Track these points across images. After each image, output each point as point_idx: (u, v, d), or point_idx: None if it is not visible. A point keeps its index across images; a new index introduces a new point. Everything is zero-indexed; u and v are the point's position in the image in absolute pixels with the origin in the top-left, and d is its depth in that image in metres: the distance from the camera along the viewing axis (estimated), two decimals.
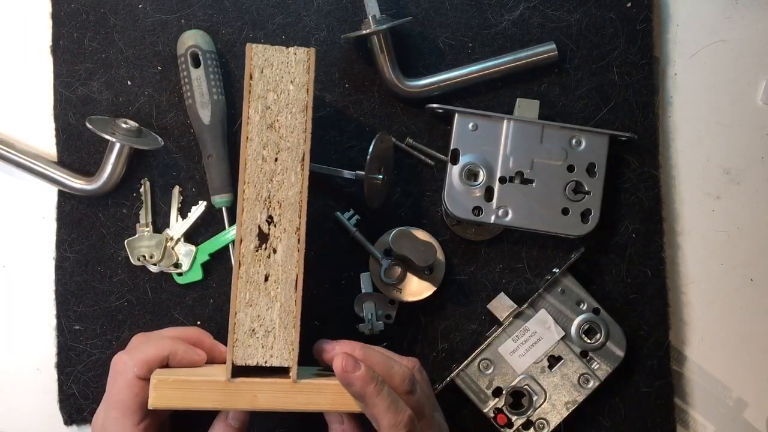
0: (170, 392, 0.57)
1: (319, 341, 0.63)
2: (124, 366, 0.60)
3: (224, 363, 0.65)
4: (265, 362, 0.58)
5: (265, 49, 0.59)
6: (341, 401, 0.59)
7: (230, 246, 0.74)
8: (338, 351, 0.59)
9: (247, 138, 0.59)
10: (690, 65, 0.80)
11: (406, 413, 0.58)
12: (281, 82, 0.60)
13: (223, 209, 0.73)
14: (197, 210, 0.74)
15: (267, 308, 0.58)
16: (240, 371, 0.58)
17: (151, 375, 0.59)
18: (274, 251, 0.59)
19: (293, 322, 0.59)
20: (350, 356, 0.58)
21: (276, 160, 0.59)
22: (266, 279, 0.58)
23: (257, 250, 0.58)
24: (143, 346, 0.61)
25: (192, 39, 0.73)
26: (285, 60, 0.60)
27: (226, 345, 0.66)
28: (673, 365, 0.77)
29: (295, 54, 0.60)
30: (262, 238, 0.59)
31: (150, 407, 0.57)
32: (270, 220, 0.59)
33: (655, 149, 0.77)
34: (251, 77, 0.59)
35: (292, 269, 0.59)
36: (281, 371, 0.59)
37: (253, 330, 0.58)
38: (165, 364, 0.61)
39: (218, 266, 0.74)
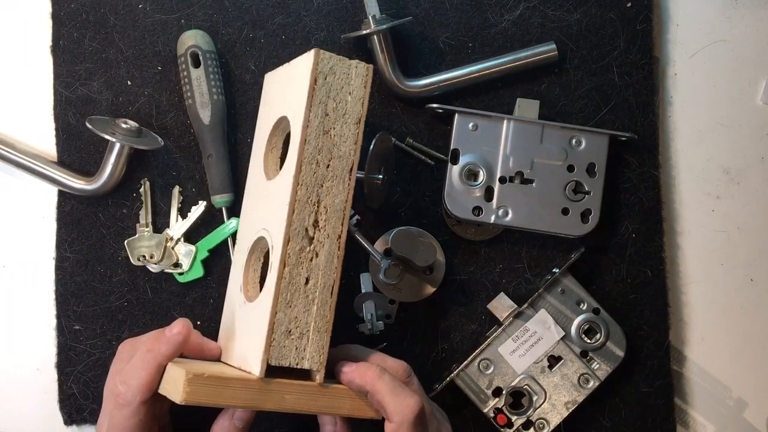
0: (203, 388, 0.56)
1: (339, 363, 0.63)
2: (125, 398, 0.60)
3: (213, 359, 0.66)
4: (297, 364, 0.59)
5: (331, 57, 0.61)
6: (359, 407, 0.61)
7: (229, 241, 0.74)
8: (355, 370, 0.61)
9: (306, 140, 0.60)
10: (690, 65, 0.80)
11: (412, 398, 0.59)
12: (341, 92, 0.61)
13: (223, 209, 0.73)
14: (197, 210, 0.74)
15: (305, 311, 0.59)
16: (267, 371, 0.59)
17: (152, 394, 0.59)
18: (317, 255, 0.59)
19: (326, 327, 0.60)
20: (346, 362, 0.61)
21: (328, 166, 0.60)
22: (306, 282, 0.59)
23: (302, 252, 0.59)
24: (134, 372, 0.60)
25: (192, 39, 0.73)
26: (346, 71, 0.61)
27: (213, 340, 0.67)
28: (673, 365, 0.77)
29: (357, 67, 0.62)
30: (308, 240, 0.59)
31: (180, 402, 0.56)
32: (316, 224, 0.60)
33: (655, 149, 0.77)
34: (315, 82, 0.60)
35: (331, 275, 0.60)
36: (302, 373, 0.60)
37: (290, 331, 0.58)
38: (162, 373, 0.61)
39: (218, 263, 0.74)
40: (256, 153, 0.71)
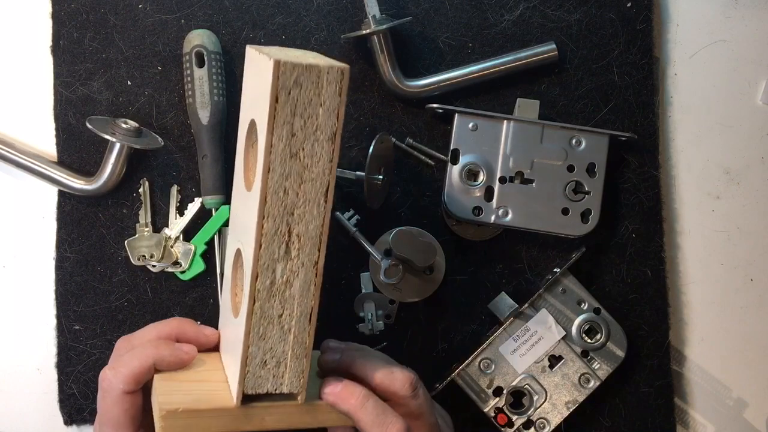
0: (179, 422, 0.55)
1: (326, 380, 0.60)
2: (109, 384, 0.58)
3: (212, 348, 0.64)
4: (275, 390, 0.57)
5: (294, 68, 0.50)
6: (345, 418, 0.59)
7: (216, 237, 0.74)
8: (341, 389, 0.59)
9: (269, 169, 0.52)
10: (690, 65, 0.80)
11: (394, 426, 0.57)
12: (310, 106, 0.52)
13: (213, 210, 0.74)
14: (193, 207, 0.74)
15: (280, 341, 0.56)
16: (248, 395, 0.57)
17: (138, 388, 0.58)
18: (291, 286, 0.55)
19: (305, 353, 0.56)
20: (332, 378, 0.58)
21: (298, 193, 0.53)
22: (281, 315, 0.55)
23: (273, 285, 0.55)
24: (127, 360, 0.59)
25: (198, 39, 0.73)
26: (316, 81, 0.51)
27: (213, 327, 0.65)
28: (673, 365, 0.77)
29: (328, 74, 0.52)
30: (280, 271, 0.55)
31: None
32: (288, 254, 0.54)
33: (655, 149, 0.77)
34: (277, 100, 0.51)
35: (308, 303, 0.55)
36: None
37: (265, 362, 0.56)
38: (154, 372, 0.60)
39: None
40: (239, 149, 0.64)
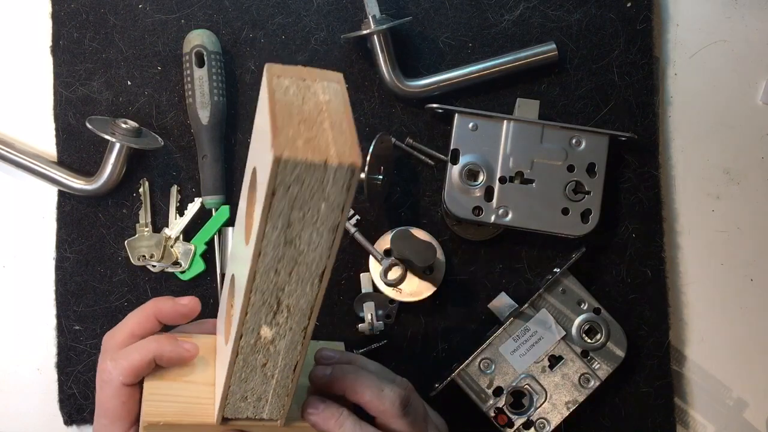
0: None
1: (310, 398, 0.60)
2: (108, 375, 0.58)
3: (208, 331, 0.63)
4: (255, 416, 0.57)
5: (296, 166, 0.43)
6: None
7: (216, 237, 0.74)
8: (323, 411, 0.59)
9: (260, 253, 0.47)
10: (690, 65, 0.80)
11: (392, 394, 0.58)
12: (311, 201, 0.45)
13: (213, 210, 0.74)
14: (193, 207, 0.74)
15: (263, 383, 0.55)
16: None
17: (137, 381, 0.58)
18: (276, 345, 0.52)
19: (287, 393, 0.56)
20: (315, 398, 0.59)
21: (291, 273, 0.49)
22: (264, 365, 0.54)
23: (257, 343, 0.52)
24: (127, 352, 0.59)
25: (198, 39, 0.73)
26: (320, 178, 0.44)
27: (190, 296, 0.63)
28: (673, 365, 0.77)
29: (335, 173, 0.44)
30: (265, 333, 0.52)
31: None
32: (276, 322, 0.51)
33: (655, 149, 0.77)
34: (273, 193, 0.44)
35: (293, 357, 0.53)
36: None
37: (245, 397, 0.55)
38: (154, 366, 0.59)
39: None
40: (246, 178, 0.57)
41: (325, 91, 0.47)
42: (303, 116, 0.45)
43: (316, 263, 0.48)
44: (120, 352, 0.59)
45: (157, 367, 0.59)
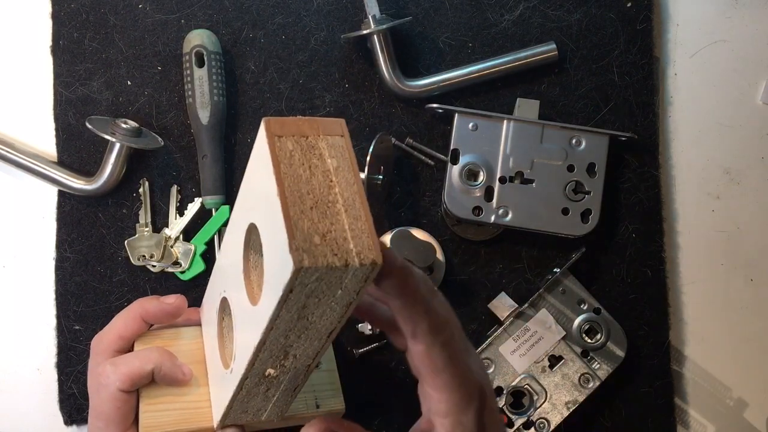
0: None
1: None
2: (106, 379, 0.58)
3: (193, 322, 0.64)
4: (254, 419, 0.57)
5: (317, 271, 0.41)
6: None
7: (216, 237, 0.74)
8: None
9: (272, 328, 0.46)
10: (690, 65, 0.80)
11: (443, 314, 0.49)
12: (329, 290, 0.44)
13: (213, 210, 0.74)
14: (193, 207, 0.74)
15: (263, 402, 0.55)
16: None
17: (134, 389, 0.58)
18: (279, 379, 0.52)
19: (287, 404, 0.56)
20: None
21: (300, 336, 0.48)
22: (267, 390, 0.53)
23: (262, 379, 0.52)
24: (128, 359, 0.59)
25: (198, 39, 0.73)
26: (340, 276, 0.42)
27: (175, 294, 0.64)
28: (673, 365, 0.77)
29: (355, 272, 0.42)
30: (269, 372, 0.51)
31: None
32: (282, 365, 0.51)
33: (655, 149, 0.77)
34: (291, 291, 0.43)
35: (294, 384, 0.53)
36: None
37: (246, 410, 0.56)
38: (151, 378, 0.60)
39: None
40: (237, 230, 0.52)
41: (331, 152, 0.45)
42: (314, 196, 0.43)
43: (326, 327, 0.47)
44: (121, 357, 0.59)
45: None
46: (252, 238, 0.50)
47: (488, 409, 0.51)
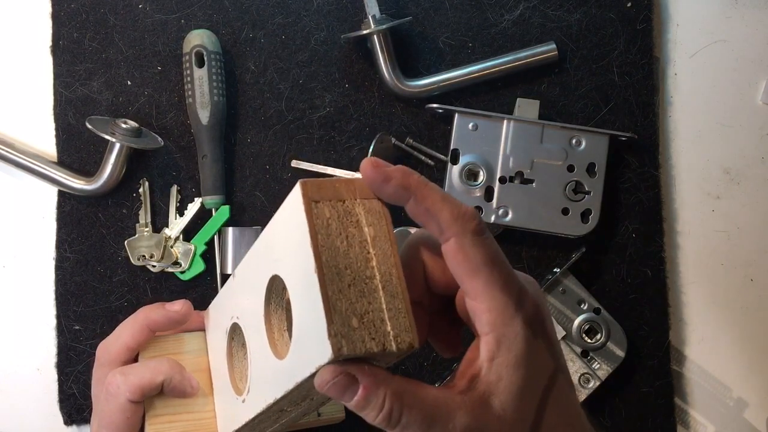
0: None
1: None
2: (117, 389, 0.58)
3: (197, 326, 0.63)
4: None
5: (354, 356, 0.40)
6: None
7: (216, 237, 0.74)
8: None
9: (298, 387, 0.44)
10: (690, 65, 0.80)
11: (469, 206, 0.44)
12: None
13: (213, 210, 0.74)
14: (193, 207, 0.74)
15: (272, 424, 0.54)
16: None
17: (143, 399, 0.58)
18: (291, 412, 0.51)
19: (290, 425, 0.55)
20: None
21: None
22: (278, 418, 0.52)
23: (271, 414, 0.51)
24: (139, 370, 0.59)
25: (198, 39, 0.73)
26: (379, 357, 0.42)
27: (180, 300, 0.62)
28: (673, 365, 0.77)
29: (391, 355, 0.41)
30: (283, 411, 0.51)
31: None
32: (298, 405, 0.49)
33: (655, 149, 0.77)
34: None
35: (306, 413, 0.52)
36: None
37: (253, 429, 0.55)
38: (161, 389, 0.59)
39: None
40: (258, 279, 0.49)
41: (368, 218, 0.43)
42: (352, 272, 0.41)
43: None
44: (130, 368, 0.59)
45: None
46: (275, 286, 0.48)
47: (544, 330, 0.44)
